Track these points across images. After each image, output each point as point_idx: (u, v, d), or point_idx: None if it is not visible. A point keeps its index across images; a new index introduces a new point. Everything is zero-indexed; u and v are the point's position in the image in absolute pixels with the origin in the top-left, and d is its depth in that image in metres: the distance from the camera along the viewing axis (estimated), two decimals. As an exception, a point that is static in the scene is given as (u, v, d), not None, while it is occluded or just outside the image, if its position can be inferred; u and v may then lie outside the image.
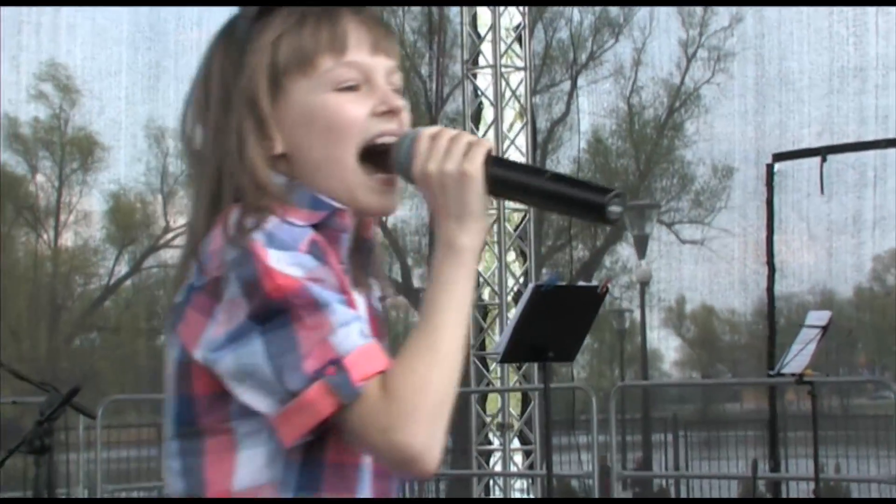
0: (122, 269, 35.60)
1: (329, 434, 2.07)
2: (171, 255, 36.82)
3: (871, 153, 19.16)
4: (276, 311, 2.03)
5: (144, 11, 27.73)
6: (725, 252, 27.13)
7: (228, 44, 2.23)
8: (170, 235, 35.95)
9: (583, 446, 14.49)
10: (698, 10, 27.39)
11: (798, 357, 9.75)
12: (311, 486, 2.14)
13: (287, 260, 2.05)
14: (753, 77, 23.91)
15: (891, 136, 20.14)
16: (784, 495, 19.50)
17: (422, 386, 2.05)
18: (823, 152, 15.05)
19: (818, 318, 10.22)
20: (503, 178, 2.14)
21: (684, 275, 27.56)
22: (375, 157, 2.16)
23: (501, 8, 15.78)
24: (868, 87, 21.05)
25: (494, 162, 2.13)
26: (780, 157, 16.78)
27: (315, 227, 2.16)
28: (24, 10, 25.70)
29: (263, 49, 2.17)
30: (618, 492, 14.16)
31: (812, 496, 11.62)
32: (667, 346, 30.34)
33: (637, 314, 26.56)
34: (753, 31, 23.36)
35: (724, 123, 27.66)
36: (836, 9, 21.29)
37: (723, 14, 27.07)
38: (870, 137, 20.73)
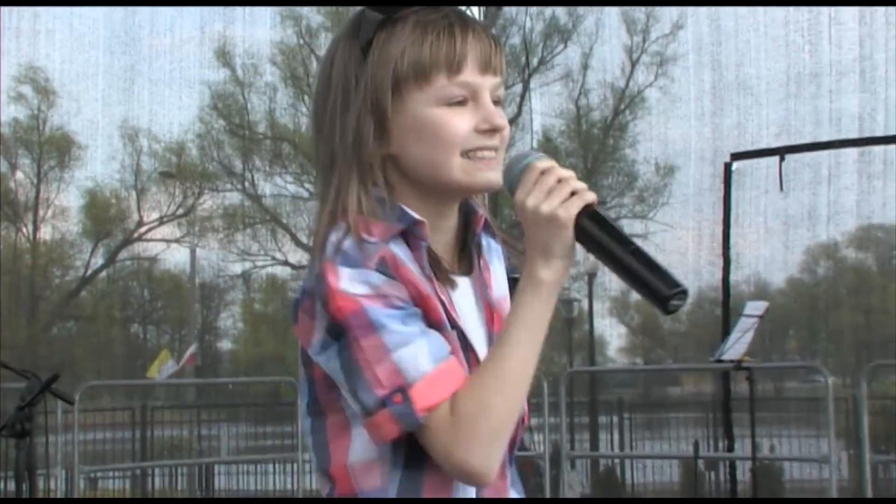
0: (98, 261, 35.32)
1: None
2: (143, 249, 36.79)
3: (825, 153, 19.26)
4: (340, 331, 2.10)
5: (119, 18, 27.69)
6: (666, 245, 27.43)
7: (352, 46, 2.26)
8: (143, 229, 35.81)
9: (535, 428, 14.66)
10: (641, 17, 27.61)
11: (737, 345, 9.88)
12: (416, 465, 2.20)
13: (355, 277, 2.11)
14: (697, 81, 24.08)
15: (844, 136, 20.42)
16: (722, 474, 19.80)
17: (483, 411, 2.09)
18: (782, 152, 15.29)
19: (755, 307, 10.41)
20: (590, 234, 2.14)
21: (630, 266, 27.71)
22: (477, 159, 2.23)
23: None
24: (822, 91, 21.18)
25: (590, 215, 2.14)
26: (738, 156, 16.89)
27: (402, 234, 2.20)
28: (5, 16, 25.63)
29: (390, 59, 2.20)
30: (568, 472, 14.35)
31: (750, 473, 11.78)
32: (612, 334, 30.48)
33: (585, 303, 26.73)
34: (709, 39, 23.45)
35: (667, 124, 27.82)
36: (791, 18, 21.39)
37: (665, 21, 27.23)
38: (825, 139, 20.95)
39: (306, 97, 32.88)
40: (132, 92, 29.43)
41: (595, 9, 27.72)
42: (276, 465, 22.71)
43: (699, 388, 24.93)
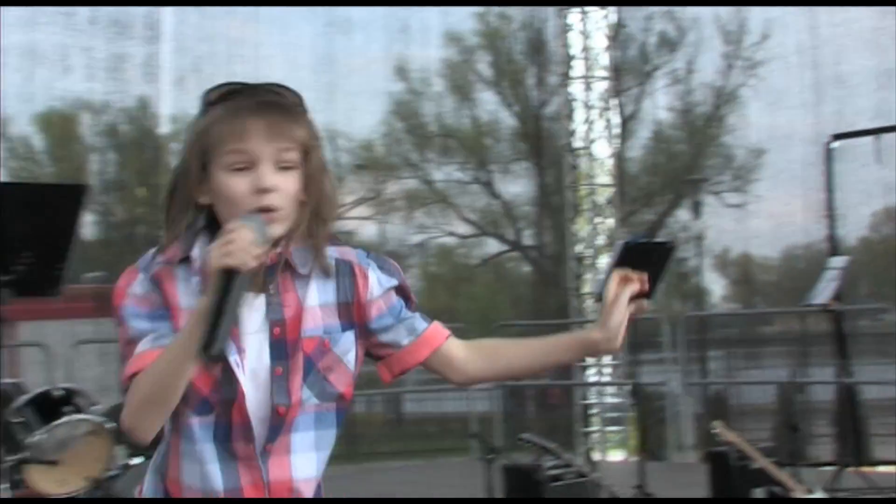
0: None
1: None
2: (342, 225, 37.10)
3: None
4: (115, 314, 2.27)
5: (321, 43, 27.71)
6: (764, 212, 27.29)
7: (197, 115, 2.32)
8: (342, 210, 36.21)
9: (655, 361, 14.65)
10: (735, 27, 27.62)
11: (824, 291, 9.88)
12: (170, 424, 2.28)
13: (133, 283, 2.25)
14: (799, 77, 23.63)
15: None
16: (810, 398, 19.61)
17: (137, 387, 2.18)
18: (878, 132, 15.07)
19: (838, 262, 10.35)
20: (223, 285, 2.14)
21: (728, 231, 27.67)
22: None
23: (589, 29, 16.04)
24: None
25: (227, 275, 2.11)
26: (839, 136, 16.61)
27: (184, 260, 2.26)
28: (237, 44, 25.69)
29: (202, 131, 2.27)
30: (685, 397, 14.29)
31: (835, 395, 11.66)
32: (715, 285, 30.34)
33: (693, 261, 26.61)
34: (808, 43, 22.95)
35: (765, 116, 27.65)
36: (877, 24, 20.76)
37: (754, 32, 27.08)
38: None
39: (468, 102, 33.02)
40: (332, 102, 29.61)
41: (695, 24, 27.62)
42: (454, 393, 22.90)
43: (788, 327, 24.59)
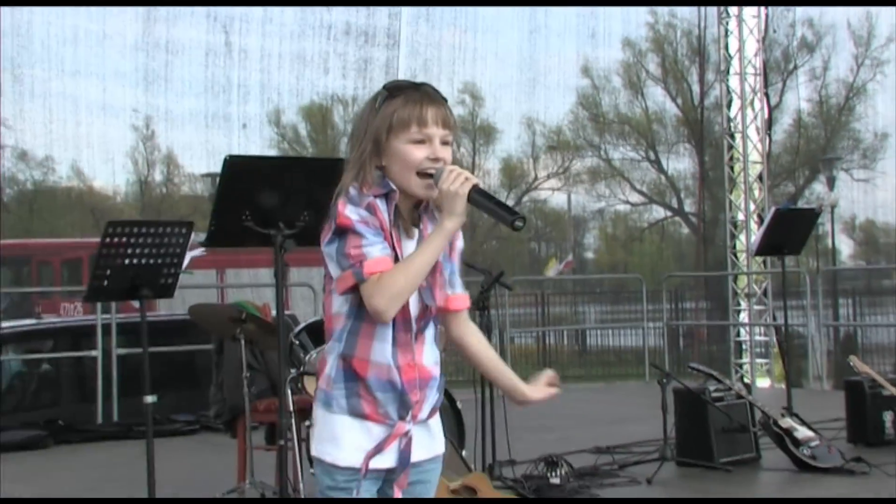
0: (510, 202, 35.97)
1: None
2: (538, 195, 36.93)
3: None
4: (341, 231, 2.44)
5: (526, 47, 27.59)
6: (885, 186, 26.50)
7: (372, 104, 2.56)
8: (537, 182, 36.06)
9: (796, 307, 14.28)
10: (864, 33, 26.75)
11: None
12: (358, 317, 2.49)
13: (354, 210, 2.45)
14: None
15: None
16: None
17: (392, 280, 2.40)
18: None
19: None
20: (474, 200, 2.45)
21: (855, 201, 26.90)
22: (424, 175, 2.49)
23: (745, 35, 15.66)
24: None
25: (475, 189, 2.44)
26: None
27: (385, 195, 2.50)
28: (458, 47, 25.59)
29: (387, 115, 2.51)
30: (821, 336, 13.92)
31: None
32: (843, 245, 29.63)
33: (827, 226, 25.85)
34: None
35: (884, 105, 26.63)
36: None
37: (880, 36, 26.15)
38: None
39: (640, 96, 32.57)
40: (533, 94, 29.47)
41: (831, 28, 26.76)
42: (628, 331, 22.75)
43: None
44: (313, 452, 2.54)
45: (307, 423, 6.16)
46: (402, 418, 2.50)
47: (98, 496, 6.82)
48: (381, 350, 2.48)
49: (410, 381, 2.51)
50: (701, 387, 7.41)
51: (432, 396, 2.57)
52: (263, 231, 4.68)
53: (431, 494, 2.65)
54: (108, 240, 5.25)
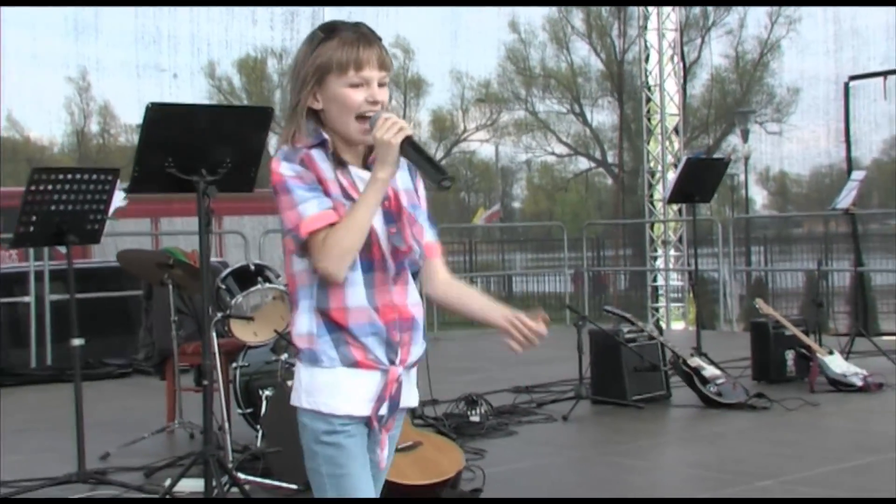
0: (439, 154, 36.01)
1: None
2: (467, 146, 36.90)
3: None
4: (276, 189, 2.31)
5: (448, 9, 27.44)
6: (797, 139, 26.87)
7: (308, 46, 2.40)
8: (466, 134, 36.01)
9: (710, 254, 14.47)
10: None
11: (846, 198, 9.61)
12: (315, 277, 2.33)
13: (287, 166, 2.31)
14: (824, 31, 22.95)
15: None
16: (831, 284, 19.29)
17: (336, 240, 2.25)
18: (886, 73, 14.67)
19: (857, 174, 10.06)
20: (405, 151, 2.30)
21: (768, 153, 27.30)
22: (363, 119, 2.34)
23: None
24: None
25: (407, 141, 2.30)
26: (854, 77, 16.21)
27: (317, 145, 2.36)
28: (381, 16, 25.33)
29: (324, 55, 2.36)
30: (732, 281, 14.13)
31: (850, 279, 11.40)
32: (757, 196, 30.05)
33: (741, 176, 26.21)
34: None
35: (797, 61, 26.98)
36: None
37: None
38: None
39: (566, 51, 32.60)
40: (458, 47, 29.40)
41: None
42: (547, 277, 22.92)
43: (813, 230, 24.15)
44: (302, 404, 2.36)
45: (234, 364, 6.15)
46: (391, 362, 2.38)
47: (26, 437, 6.77)
48: (355, 294, 2.34)
49: (390, 323, 2.37)
50: (615, 329, 7.51)
51: (417, 341, 2.44)
52: (186, 177, 4.62)
53: (394, 446, 2.52)
54: (33, 186, 5.18)
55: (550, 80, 33.55)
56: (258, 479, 5.10)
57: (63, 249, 5.47)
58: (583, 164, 35.67)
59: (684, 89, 17.27)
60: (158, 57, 21.04)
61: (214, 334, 5.45)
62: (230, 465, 5.02)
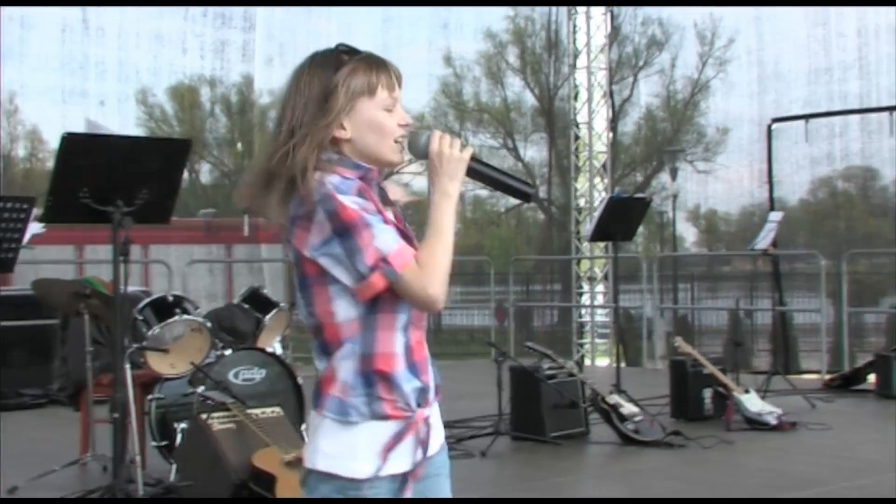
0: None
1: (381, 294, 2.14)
2: (399, 179, 37.02)
3: (836, 118, 18.77)
4: (347, 228, 2.10)
5: (379, 42, 27.51)
6: (725, 178, 27.31)
7: (324, 69, 2.23)
8: (400, 167, 36.13)
9: (636, 291, 14.61)
10: (708, 33, 27.75)
11: (764, 239, 9.76)
12: (373, 311, 2.15)
13: (352, 200, 2.12)
14: (748, 74, 23.42)
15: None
16: (754, 322, 19.59)
17: (437, 262, 2.13)
18: (808, 117, 15.12)
19: (775, 216, 10.22)
20: (473, 168, 2.25)
21: (698, 191, 27.72)
22: (399, 143, 2.24)
23: (593, 30, 15.96)
24: (834, 79, 20.27)
25: (474, 158, 2.25)
26: (777, 120, 16.67)
27: (360, 178, 2.21)
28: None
29: (357, 78, 2.23)
30: (658, 319, 14.29)
31: (771, 318, 11.55)
32: (687, 233, 30.44)
33: (670, 214, 26.58)
34: (755, 46, 22.67)
35: (724, 102, 27.54)
36: (812, 33, 20.46)
37: (723, 37, 27.16)
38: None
39: (500, 86, 32.89)
40: (393, 84, 29.34)
41: (679, 28, 27.60)
42: (476, 312, 23.00)
43: (739, 267, 24.53)
44: (319, 467, 2.21)
45: (150, 396, 6.09)
46: (419, 406, 2.24)
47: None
48: (401, 337, 2.21)
49: (422, 361, 2.26)
50: (535, 365, 7.57)
51: (435, 374, 2.32)
52: (101, 208, 4.59)
53: (447, 489, 2.42)
54: (-54, 213, 5.09)
55: (484, 114, 33.81)
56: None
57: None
58: (515, 199, 35.96)
59: (614, 128, 17.52)
60: (85, 83, 20.80)
61: (129, 366, 5.40)
62: (140, 497, 4.96)
